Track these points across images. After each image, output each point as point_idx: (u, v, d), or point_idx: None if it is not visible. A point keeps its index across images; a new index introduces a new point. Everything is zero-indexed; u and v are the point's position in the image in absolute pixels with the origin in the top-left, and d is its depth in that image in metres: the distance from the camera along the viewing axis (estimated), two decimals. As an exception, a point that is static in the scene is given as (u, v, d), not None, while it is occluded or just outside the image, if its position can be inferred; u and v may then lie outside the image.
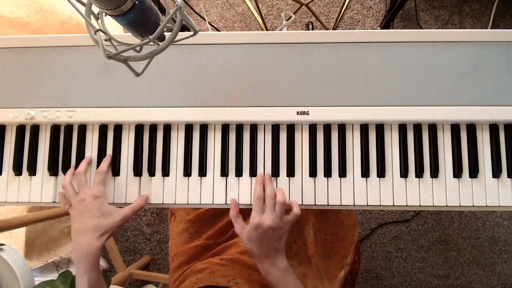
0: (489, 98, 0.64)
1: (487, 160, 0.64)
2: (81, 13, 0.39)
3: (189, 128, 0.67)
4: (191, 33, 0.46)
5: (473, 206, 0.63)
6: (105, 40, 0.42)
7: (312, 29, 1.52)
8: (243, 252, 0.71)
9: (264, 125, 0.67)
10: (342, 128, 0.66)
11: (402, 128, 0.65)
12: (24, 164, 0.67)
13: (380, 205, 0.64)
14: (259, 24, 1.54)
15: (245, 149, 0.66)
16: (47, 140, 0.68)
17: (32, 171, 0.67)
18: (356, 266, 0.82)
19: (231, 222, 0.64)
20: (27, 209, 1.17)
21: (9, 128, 0.69)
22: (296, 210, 0.61)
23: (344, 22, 1.55)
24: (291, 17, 1.07)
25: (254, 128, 0.66)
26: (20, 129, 0.68)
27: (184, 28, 0.89)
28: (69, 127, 0.68)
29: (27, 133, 0.68)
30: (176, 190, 0.66)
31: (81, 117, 0.66)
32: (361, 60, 0.65)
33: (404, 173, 0.64)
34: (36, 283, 0.76)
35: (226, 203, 0.65)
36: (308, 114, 0.65)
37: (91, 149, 0.68)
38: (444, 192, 0.64)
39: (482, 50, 0.64)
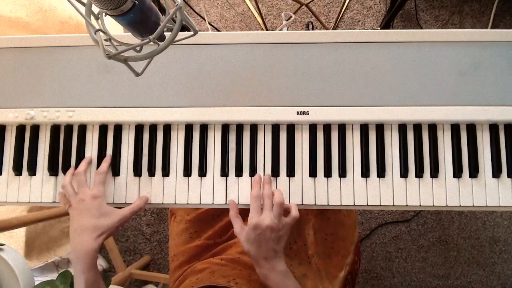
0: (489, 98, 0.64)
1: (487, 160, 0.64)
2: (81, 13, 0.39)
3: (189, 128, 0.67)
4: (191, 33, 0.46)
5: (473, 206, 0.63)
6: (105, 40, 0.42)
7: (312, 29, 1.52)
8: (243, 252, 0.71)
9: (264, 125, 0.67)
10: (342, 128, 0.66)
11: (402, 128, 0.65)
12: (24, 164, 0.67)
13: (380, 205, 0.64)
14: (259, 24, 1.54)
15: (245, 149, 0.66)
16: (47, 140, 0.68)
17: (32, 171, 0.67)
18: (356, 266, 0.82)
19: (231, 222, 0.63)
20: (27, 209, 1.17)
21: (9, 128, 0.69)
22: (294, 212, 0.61)
23: (344, 22, 1.55)
24: (291, 17, 1.07)
25: (254, 128, 0.66)
26: (20, 129, 0.68)
27: (184, 28, 0.89)
28: (69, 127, 0.68)
29: (27, 133, 0.68)
30: (176, 190, 0.66)
31: (81, 117, 0.66)
32: (361, 60, 0.65)
33: (404, 173, 0.64)
34: (36, 283, 0.76)
35: (226, 203, 0.65)
36: (308, 114, 0.65)
37: (91, 149, 0.68)
38: (444, 192, 0.64)
39: (482, 50, 0.64)
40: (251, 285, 0.64)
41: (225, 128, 0.67)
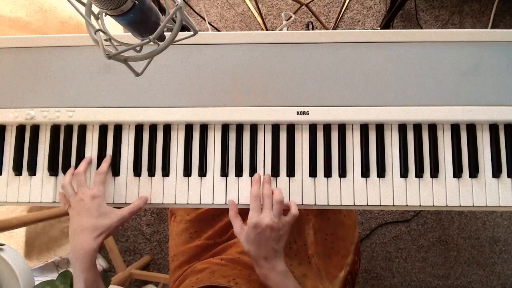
0: (489, 98, 0.64)
1: (487, 160, 0.64)
2: (81, 13, 0.39)
3: (189, 128, 0.67)
4: (191, 33, 0.46)
5: (473, 206, 0.63)
6: (105, 40, 0.42)
7: (312, 29, 1.52)
8: (243, 252, 0.71)
9: (264, 125, 0.67)
10: (342, 128, 0.66)
11: (402, 128, 0.65)
12: (24, 164, 0.67)
13: (380, 205, 0.64)
14: (259, 24, 1.54)
15: (245, 149, 0.66)
16: (47, 140, 0.68)
17: (32, 171, 0.67)
18: (356, 266, 0.82)
19: (231, 222, 0.63)
20: (27, 209, 1.17)
21: (9, 128, 0.69)
22: (294, 210, 0.61)
23: (344, 22, 1.55)
24: (291, 17, 1.07)
25: (254, 128, 0.66)
26: (20, 129, 0.68)
27: (184, 28, 0.89)
28: (69, 127, 0.68)
29: (27, 133, 0.68)
30: (176, 190, 0.66)
31: (81, 117, 0.66)
32: (361, 60, 0.65)
33: (404, 173, 0.64)
34: (36, 283, 0.76)
35: (226, 203, 0.65)
36: (308, 114, 0.65)
37: (91, 149, 0.68)
38: (444, 192, 0.64)
39: (482, 50, 0.64)
40: (251, 285, 0.64)
41: (225, 128, 0.67)
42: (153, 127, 0.67)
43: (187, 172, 0.66)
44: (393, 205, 0.64)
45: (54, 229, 1.32)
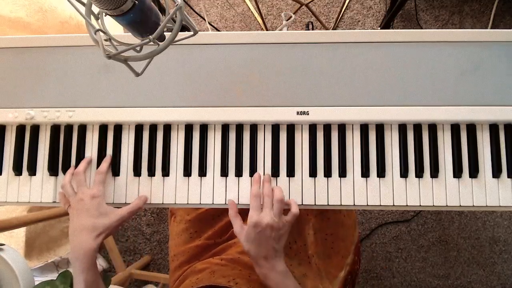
0: (489, 98, 0.64)
1: (487, 160, 0.64)
2: (81, 13, 0.39)
3: (189, 128, 0.67)
4: (191, 33, 0.46)
5: (473, 206, 0.63)
6: (105, 40, 0.42)
7: (312, 29, 1.52)
8: (243, 252, 0.71)
9: (264, 125, 0.67)
10: (342, 128, 0.66)
11: (402, 128, 0.65)
12: (24, 164, 0.67)
13: (380, 205, 0.64)
14: (259, 24, 1.54)
15: (245, 149, 0.66)
16: (47, 140, 0.68)
17: (32, 171, 0.67)
18: (356, 266, 0.82)
19: (231, 222, 0.63)
20: (27, 209, 1.17)
21: (9, 128, 0.69)
22: (294, 209, 0.61)
23: (344, 22, 1.55)
24: (291, 17, 1.07)
25: (254, 128, 0.66)
26: (20, 129, 0.68)
27: (184, 28, 0.89)
28: (69, 127, 0.68)
29: (27, 133, 0.68)
30: (176, 190, 0.66)
31: (81, 117, 0.66)
32: (361, 60, 0.65)
33: (404, 173, 0.64)
34: (36, 283, 0.76)
35: (226, 203, 0.65)
36: (308, 114, 0.65)
37: (91, 149, 0.68)
38: (444, 192, 0.64)
39: (482, 50, 0.64)
40: (251, 285, 0.64)
41: (225, 128, 0.67)
42: (153, 127, 0.67)
43: (187, 172, 0.66)
44: (393, 205, 0.64)
45: (54, 229, 1.32)
